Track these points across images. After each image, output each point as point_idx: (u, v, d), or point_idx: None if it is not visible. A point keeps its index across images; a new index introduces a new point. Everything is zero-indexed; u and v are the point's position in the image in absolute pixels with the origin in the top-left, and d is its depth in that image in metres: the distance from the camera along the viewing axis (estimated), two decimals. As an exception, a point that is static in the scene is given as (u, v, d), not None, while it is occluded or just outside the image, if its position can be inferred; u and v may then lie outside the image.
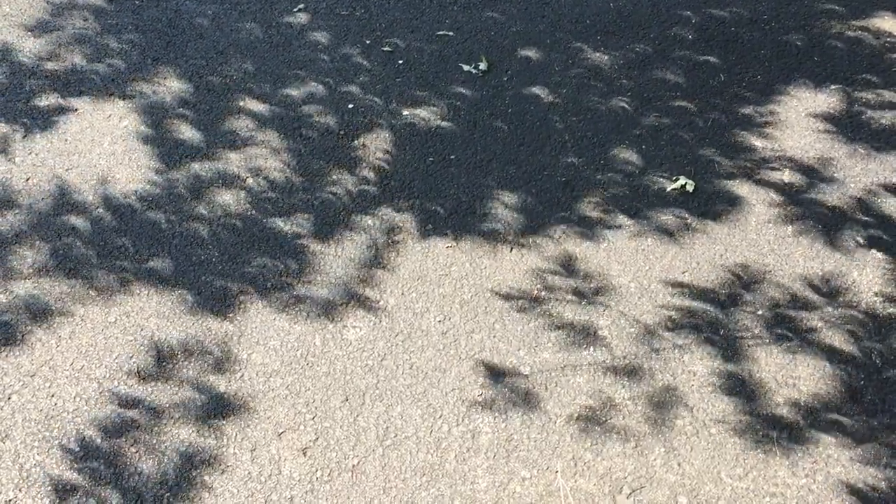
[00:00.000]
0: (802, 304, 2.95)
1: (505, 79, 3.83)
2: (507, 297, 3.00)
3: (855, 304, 2.95)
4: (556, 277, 3.06)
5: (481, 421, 2.67)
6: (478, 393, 2.74)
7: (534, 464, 2.57)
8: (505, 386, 2.76)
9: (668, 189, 3.33)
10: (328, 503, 2.49)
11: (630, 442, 2.61)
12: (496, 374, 2.79)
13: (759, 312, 2.93)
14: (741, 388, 2.72)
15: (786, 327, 2.89)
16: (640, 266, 3.09)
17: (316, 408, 2.71)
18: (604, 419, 2.66)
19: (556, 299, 2.99)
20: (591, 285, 3.03)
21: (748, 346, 2.84)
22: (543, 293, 3.01)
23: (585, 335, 2.88)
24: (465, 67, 3.89)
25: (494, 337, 2.88)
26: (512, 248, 3.15)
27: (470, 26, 4.11)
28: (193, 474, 2.55)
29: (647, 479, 2.53)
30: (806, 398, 2.70)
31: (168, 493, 2.51)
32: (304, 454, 2.60)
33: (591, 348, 2.84)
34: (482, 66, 3.89)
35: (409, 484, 2.53)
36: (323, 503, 2.49)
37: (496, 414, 2.68)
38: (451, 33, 4.08)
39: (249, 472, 2.55)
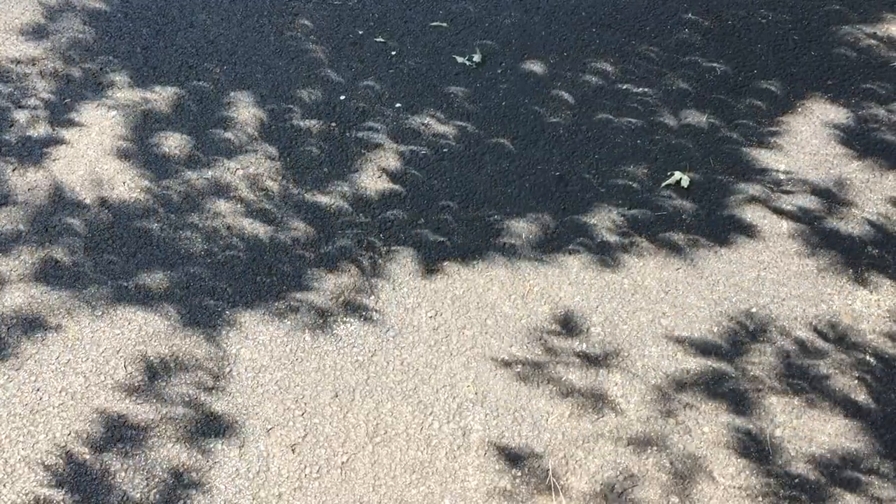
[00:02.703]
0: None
1: (499, 71, 3.79)
2: (498, 293, 2.97)
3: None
4: (549, 274, 3.03)
5: (472, 418, 2.64)
6: (469, 389, 2.71)
7: (525, 461, 2.55)
8: (496, 382, 2.73)
9: (663, 185, 3.31)
10: (317, 500, 2.46)
11: (624, 441, 2.59)
12: (487, 370, 2.76)
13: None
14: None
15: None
16: (633, 263, 3.06)
17: (305, 404, 2.68)
18: (596, 417, 2.64)
19: (547, 299, 2.96)
20: (586, 283, 3.00)
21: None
22: (536, 289, 2.98)
23: (579, 333, 2.85)
24: (459, 59, 3.85)
25: (486, 333, 2.86)
26: (504, 244, 3.12)
27: (464, 17, 4.06)
28: (182, 470, 2.53)
29: (641, 477, 2.51)
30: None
31: (154, 490, 2.48)
32: (293, 451, 2.57)
33: (583, 345, 2.82)
34: (476, 57, 3.85)
35: (398, 481, 2.51)
36: (312, 500, 2.46)
37: (487, 411, 2.66)
38: (444, 24, 4.03)
39: (237, 469, 2.53)
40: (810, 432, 2.59)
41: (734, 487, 2.49)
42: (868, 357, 2.77)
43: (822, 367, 2.75)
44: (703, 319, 2.88)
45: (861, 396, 2.67)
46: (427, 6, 4.12)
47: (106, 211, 3.21)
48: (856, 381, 2.71)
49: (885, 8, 4.06)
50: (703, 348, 2.80)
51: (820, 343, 2.81)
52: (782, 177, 3.33)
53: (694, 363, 2.76)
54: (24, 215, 3.19)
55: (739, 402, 2.67)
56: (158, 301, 2.93)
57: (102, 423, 2.62)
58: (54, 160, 3.38)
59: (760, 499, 2.47)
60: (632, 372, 2.75)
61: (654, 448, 2.57)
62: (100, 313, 2.89)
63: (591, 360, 2.78)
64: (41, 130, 3.50)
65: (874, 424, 2.61)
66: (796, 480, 2.50)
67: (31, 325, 2.86)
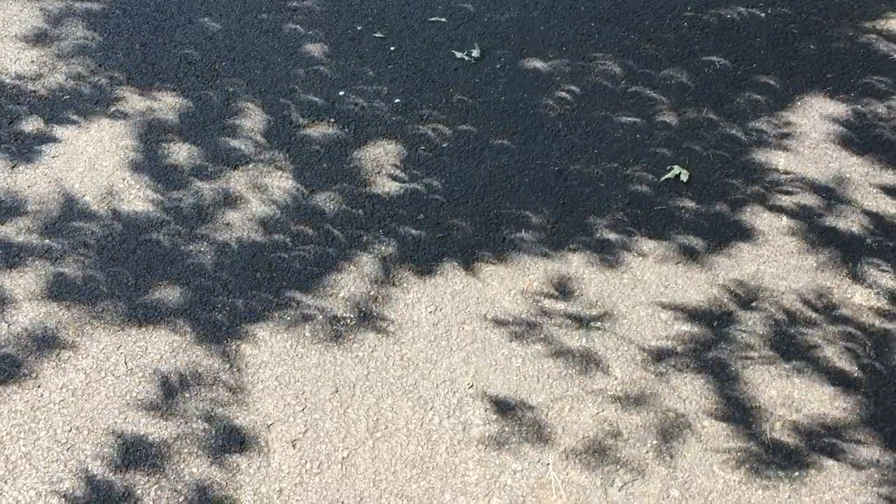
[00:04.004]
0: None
1: (498, 66, 3.79)
2: (498, 288, 2.97)
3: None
4: (548, 269, 3.03)
5: (472, 413, 2.65)
6: (468, 384, 2.71)
7: (525, 456, 2.55)
8: (496, 377, 2.73)
9: (662, 179, 3.30)
10: (318, 496, 2.47)
11: (623, 434, 2.60)
12: (487, 365, 2.76)
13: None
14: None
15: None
16: (633, 258, 3.07)
17: (306, 400, 2.68)
18: (597, 411, 2.65)
19: (547, 293, 2.96)
20: (586, 278, 3.00)
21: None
22: (535, 284, 2.98)
23: (579, 328, 2.86)
24: (458, 54, 3.85)
25: (486, 328, 2.86)
26: (504, 239, 3.12)
27: (462, 12, 4.06)
28: (182, 467, 2.53)
29: (639, 472, 2.52)
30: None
31: (156, 487, 2.48)
32: (294, 446, 2.57)
33: (583, 340, 2.82)
34: (475, 53, 3.85)
35: (399, 476, 2.51)
36: (312, 496, 2.47)
37: (487, 405, 2.66)
38: (443, 19, 4.02)
39: (237, 464, 2.53)
40: (810, 424, 2.60)
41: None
42: (868, 351, 2.77)
43: (821, 364, 2.75)
44: (703, 315, 2.88)
45: (860, 390, 2.68)
46: (425, 1, 4.12)
47: (104, 209, 3.21)
48: (856, 375, 2.71)
49: (885, 2, 4.06)
50: (703, 344, 2.81)
51: (819, 339, 2.81)
52: (781, 171, 3.33)
53: (694, 359, 2.77)
54: (21, 216, 3.19)
55: (739, 396, 2.67)
56: (158, 300, 2.93)
57: (102, 420, 2.62)
58: (53, 157, 3.38)
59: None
60: (632, 365, 2.75)
61: (653, 441, 2.58)
62: (100, 312, 2.89)
63: (591, 355, 2.78)
64: (38, 129, 3.49)
65: (873, 419, 2.61)
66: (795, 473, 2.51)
67: (34, 329, 2.86)
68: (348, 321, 2.88)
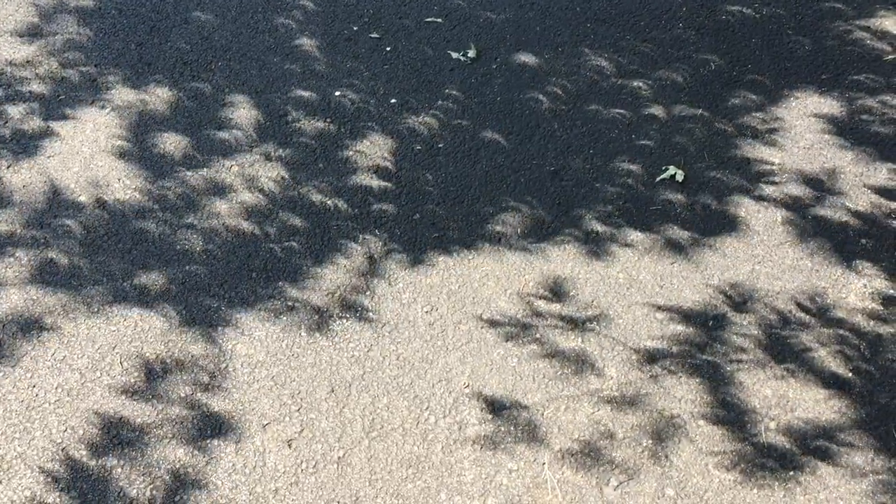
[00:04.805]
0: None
1: (494, 66, 3.79)
2: (494, 288, 2.97)
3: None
4: (544, 269, 3.04)
5: (468, 412, 2.65)
6: (464, 384, 2.72)
7: (521, 456, 2.56)
8: (491, 377, 2.74)
9: (658, 179, 3.31)
10: (313, 495, 2.47)
11: (618, 434, 2.60)
12: (483, 364, 2.77)
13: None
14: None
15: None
16: (628, 257, 3.07)
17: (301, 399, 2.68)
18: (592, 410, 2.65)
19: (542, 294, 2.97)
20: (581, 278, 3.01)
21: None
22: (531, 284, 2.99)
23: (574, 327, 2.86)
24: (454, 55, 3.85)
25: (482, 328, 2.86)
26: (500, 239, 3.13)
27: (459, 13, 4.06)
28: (179, 466, 2.53)
29: (634, 472, 2.52)
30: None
31: (151, 487, 2.48)
32: (290, 446, 2.58)
33: (578, 340, 2.83)
34: (471, 53, 3.85)
35: (395, 476, 2.51)
36: (308, 495, 2.47)
37: (483, 405, 2.67)
38: (439, 20, 4.03)
39: (234, 464, 2.53)
40: (804, 425, 2.61)
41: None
42: (862, 352, 2.78)
43: (815, 365, 2.76)
44: (698, 315, 2.89)
45: (854, 392, 2.69)
46: (421, 2, 4.12)
47: (99, 208, 3.20)
48: (850, 376, 2.72)
49: (879, 2, 4.07)
50: (697, 345, 2.81)
51: (813, 340, 2.82)
52: (776, 170, 3.34)
53: (688, 360, 2.77)
54: (17, 212, 3.18)
55: (734, 397, 2.68)
56: (154, 298, 2.93)
57: (98, 420, 2.62)
58: (49, 157, 3.37)
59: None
60: (627, 366, 2.76)
61: (648, 441, 2.58)
62: (95, 309, 2.89)
63: (586, 356, 2.79)
64: (34, 127, 3.49)
65: (867, 420, 2.62)
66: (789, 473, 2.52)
67: (28, 324, 2.86)
68: (344, 321, 2.88)
